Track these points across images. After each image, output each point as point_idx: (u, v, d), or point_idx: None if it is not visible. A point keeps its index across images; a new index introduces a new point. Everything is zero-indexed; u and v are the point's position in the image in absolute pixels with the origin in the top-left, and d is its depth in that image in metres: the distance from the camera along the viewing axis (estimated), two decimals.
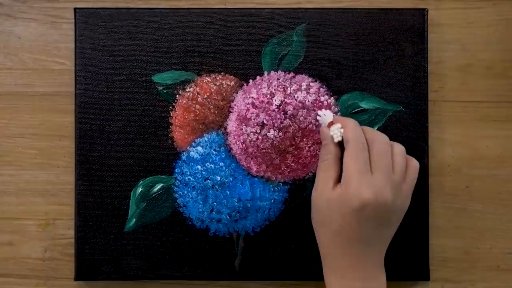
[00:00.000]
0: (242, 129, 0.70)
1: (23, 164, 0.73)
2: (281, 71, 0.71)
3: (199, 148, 0.71)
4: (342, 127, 0.64)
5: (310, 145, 0.70)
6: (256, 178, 0.71)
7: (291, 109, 0.70)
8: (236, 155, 0.70)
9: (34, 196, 0.73)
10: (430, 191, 0.72)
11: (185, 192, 0.71)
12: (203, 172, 0.70)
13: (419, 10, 0.71)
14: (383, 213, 0.62)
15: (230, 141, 0.70)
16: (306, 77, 0.71)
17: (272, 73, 0.71)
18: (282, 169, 0.71)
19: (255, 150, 0.70)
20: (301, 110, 0.70)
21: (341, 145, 0.65)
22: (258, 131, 0.70)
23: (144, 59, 0.71)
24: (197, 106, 0.71)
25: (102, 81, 0.71)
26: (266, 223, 0.71)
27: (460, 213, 0.73)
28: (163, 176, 0.71)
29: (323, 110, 0.68)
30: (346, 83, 0.71)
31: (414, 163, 0.65)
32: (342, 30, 0.71)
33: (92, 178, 0.71)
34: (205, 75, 0.71)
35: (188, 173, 0.70)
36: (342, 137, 0.64)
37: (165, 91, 0.71)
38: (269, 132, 0.70)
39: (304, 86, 0.70)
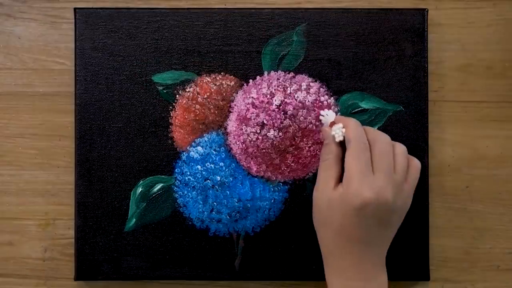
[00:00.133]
0: (242, 129, 0.70)
1: (23, 164, 0.73)
2: (281, 71, 0.71)
3: (199, 148, 0.71)
4: (343, 127, 0.64)
5: (310, 145, 0.70)
6: (256, 178, 0.71)
7: (291, 109, 0.70)
8: (236, 155, 0.70)
9: (34, 196, 0.73)
10: (430, 191, 0.72)
11: (185, 192, 0.71)
12: (203, 172, 0.70)
13: (419, 10, 0.71)
14: (384, 213, 0.62)
15: (230, 141, 0.70)
16: (306, 77, 0.71)
17: (272, 73, 0.71)
18: (282, 169, 0.71)
19: (255, 150, 0.70)
20: (301, 110, 0.70)
21: (342, 144, 0.65)
22: (258, 131, 0.70)
23: (144, 59, 0.71)
24: (197, 106, 0.71)
25: (102, 81, 0.71)
26: (266, 223, 0.71)
27: (460, 213, 0.73)
28: (163, 176, 0.71)
29: (326, 110, 0.68)
30: (346, 83, 0.71)
31: (416, 163, 0.65)
32: (342, 30, 0.71)
33: (92, 178, 0.71)
34: (205, 75, 0.71)
35: (188, 173, 0.70)
36: (343, 136, 0.64)
37: (165, 91, 0.71)
38: (269, 132, 0.70)
39: (304, 86, 0.70)
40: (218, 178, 0.70)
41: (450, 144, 0.73)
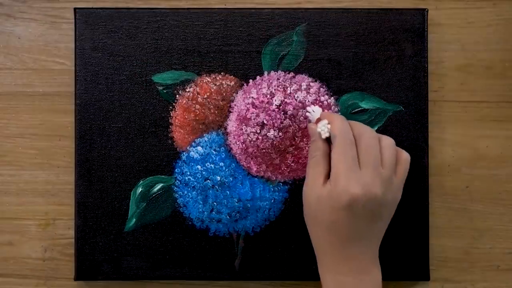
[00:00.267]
0: (242, 129, 0.70)
1: (23, 164, 0.73)
2: (281, 71, 0.71)
3: (199, 148, 0.71)
4: (329, 123, 0.64)
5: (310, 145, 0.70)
6: (256, 178, 0.71)
7: (291, 109, 0.70)
8: (236, 155, 0.70)
9: (34, 196, 0.73)
10: (430, 191, 0.72)
11: (185, 192, 0.71)
12: (203, 172, 0.70)
13: (419, 10, 0.71)
14: (373, 208, 0.62)
15: (230, 141, 0.70)
16: (306, 77, 0.71)
17: (272, 73, 0.71)
18: (282, 169, 0.71)
19: (255, 150, 0.70)
20: (301, 110, 0.70)
21: (329, 141, 0.64)
22: (258, 131, 0.70)
23: (144, 59, 0.71)
24: (197, 106, 0.71)
25: (102, 81, 0.71)
26: (266, 223, 0.71)
27: (460, 213, 0.73)
28: (163, 176, 0.71)
29: (312, 106, 0.68)
30: (346, 83, 0.71)
31: (405, 156, 0.65)
32: (342, 30, 0.71)
33: (92, 178, 0.71)
34: (205, 75, 0.71)
35: (188, 173, 0.70)
36: (329, 133, 0.64)
37: (165, 91, 0.71)
38: (269, 132, 0.70)
39: (304, 86, 0.70)
40: (218, 178, 0.70)
41: (450, 144, 0.73)
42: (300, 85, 0.70)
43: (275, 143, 0.70)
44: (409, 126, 0.71)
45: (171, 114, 0.71)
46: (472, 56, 0.73)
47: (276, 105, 0.70)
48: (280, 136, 0.70)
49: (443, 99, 0.73)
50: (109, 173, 0.71)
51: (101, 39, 0.71)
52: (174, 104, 0.71)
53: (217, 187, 0.70)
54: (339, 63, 0.71)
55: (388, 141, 0.64)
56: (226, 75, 0.71)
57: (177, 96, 0.71)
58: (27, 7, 0.73)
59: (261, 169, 0.70)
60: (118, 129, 0.71)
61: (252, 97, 0.70)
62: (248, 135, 0.70)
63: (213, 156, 0.70)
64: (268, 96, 0.70)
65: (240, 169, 0.70)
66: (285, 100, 0.70)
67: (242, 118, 0.70)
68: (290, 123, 0.70)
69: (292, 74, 0.71)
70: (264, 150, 0.70)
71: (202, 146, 0.71)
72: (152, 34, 0.71)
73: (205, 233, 0.71)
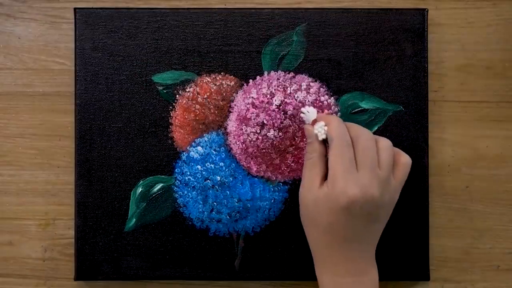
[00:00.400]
0: (242, 129, 0.70)
1: (23, 164, 0.73)
2: (281, 71, 0.71)
3: (199, 148, 0.71)
4: (326, 125, 0.64)
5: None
6: (256, 178, 0.71)
7: (291, 109, 0.70)
8: (236, 155, 0.70)
9: (34, 196, 0.73)
10: (430, 191, 0.72)
11: (185, 192, 0.71)
12: (203, 172, 0.70)
13: (419, 10, 0.71)
14: (371, 210, 0.62)
15: (230, 141, 0.70)
16: (306, 77, 0.71)
17: (272, 73, 0.71)
18: (282, 169, 0.71)
19: (255, 150, 0.70)
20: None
21: (326, 142, 0.65)
22: (258, 131, 0.70)
23: (144, 59, 0.71)
24: (197, 106, 0.71)
25: (102, 81, 0.71)
26: (266, 223, 0.71)
27: (460, 213, 0.73)
28: (163, 176, 0.71)
29: (307, 107, 0.67)
30: (346, 83, 0.71)
31: (405, 160, 0.65)
32: (342, 30, 0.71)
33: (92, 178, 0.71)
34: (205, 75, 0.71)
35: (188, 173, 0.70)
36: (326, 134, 0.64)
37: (165, 91, 0.71)
38: (269, 132, 0.70)
39: (304, 86, 0.70)
40: (218, 178, 0.70)
41: (450, 144, 0.73)
42: (300, 85, 0.70)
43: (275, 143, 0.70)
44: (409, 126, 0.71)
45: (171, 114, 0.71)
46: (472, 56, 0.73)
47: (276, 105, 0.70)
48: (280, 136, 0.70)
49: (443, 99, 0.73)
50: (109, 173, 0.71)
51: (101, 39, 0.71)
52: (174, 104, 0.71)
53: (217, 187, 0.70)
54: (339, 63, 0.71)
55: (385, 143, 0.64)
56: (226, 75, 0.71)
57: (177, 96, 0.71)
58: (27, 7, 0.73)
59: (261, 169, 0.70)
60: (118, 129, 0.71)
61: (252, 97, 0.70)
62: (248, 135, 0.70)
63: (213, 156, 0.70)
64: (268, 96, 0.70)
65: (240, 169, 0.70)
66: (285, 100, 0.70)
67: (242, 118, 0.70)
68: (290, 123, 0.70)
69: (292, 74, 0.71)
70: (264, 150, 0.70)
71: (202, 146, 0.71)
72: (152, 34, 0.71)
73: (205, 233, 0.71)
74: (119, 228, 0.71)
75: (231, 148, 0.71)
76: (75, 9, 0.71)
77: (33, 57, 0.73)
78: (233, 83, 0.71)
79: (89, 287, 0.72)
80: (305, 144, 0.70)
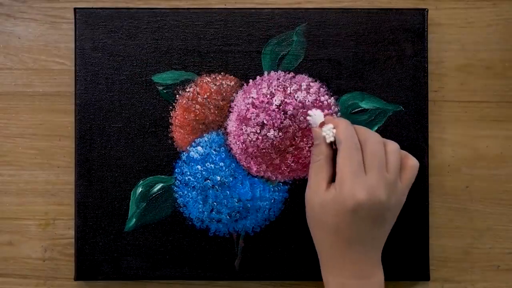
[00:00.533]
0: (242, 129, 0.70)
1: (23, 164, 0.73)
2: (281, 71, 0.71)
3: (199, 148, 0.71)
4: (334, 127, 0.64)
5: (310, 145, 0.70)
6: (256, 178, 0.71)
7: (291, 109, 0.70)
8: (236, 155, 0.71)
9: (34, 196, 0.73)
10: (430, 191, 0.72)
11: (185, 192, 0.71)
12: (203, 172, 0.70)
13: (419, 10, 0.71)
14: (378, 213, 0.62)
15: (230, 141, 0.70)
16: (306, 77, 0.71)
17: (272, 73, 0.71)
18: (282, 169, 0.71)
19: (255, 150, 0.70)
20: (301, 110, 0.70)
21: (333, 145, 0.64)
22: (258, 131, 0.70)
23: (144, 59, 0.71)
24: (197, 106, 0.71)
25: (102, 81, 0.71)
26: (266, 223, 0.71)
27: (460, 213, 0.73)
28: (163, 176, 0.71)
29: (314, 110, 0.67)
30: (346, 83, 0.71)
31: (413, 163, 0.65)
32: (342, 30, 0.71)
33: (92, 178, 0.71)
34: (205, 75, 0.71)
35: (188, 173, 0.70)
36: (334, 137, 0.64)
37: (165, 91, 0.71)
38: (269, 132, 0.70)
39: (304, 86, 0.70)
40: (218, 178, 0.70)
41: (450, 144, 0.73)
42: (300, 85, 0.70)
43: (275, 143, 0.70)
44: (409, 126, 0.71)
45: (171, 114, 0.71)
46: (472, 56, 0.73)
47: (276, 105, 0.70)
48: (280, 136, 0.70)
49: (443, 99, 0.73)
50: (109, 173, 0.71)
51: (101, 39, 0.71)
52: (174, 104, 0.71)
53: (217, 187, 0.70)
54: (339, 63, 0.71)
55: (393, 146, 0.64)
56: (226, 75, 0.71)
57: (177, 96, 0.71)
58: (27, 7, 0.73)
59: (261, 169, 0.70)
60: (118, 129, 0.71)
61: (252, 97, 0.70)
62: (248, 135, 0.70)
63: (213, 156, 0.70)
64: (268, 96, 0.70)
65: (240, 169, 0.70)
66: (285, 100, 0.70)
67: (242, 118, 0.70)
68: (290, 123, 0.70)
69: (292, 74, 0.71)
70: (264, 150, 0.70)
71: (202, 146, 0.71)
72: (152, 34, 0.71)
73: (205, 233, 0.71)
74: (119, 228, 0.71)
75: (231, 148, 0.71)
76: (75, 9, 0.71)
77: (33, 57, 0.73)
78: (233, 83, 0.71)
79: (89, 287, 0.72)
80: (305, 144, 0.70)
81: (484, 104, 0.73)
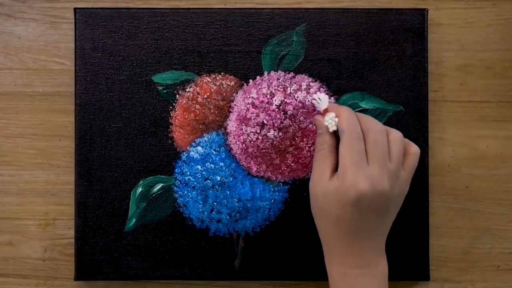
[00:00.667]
0: (242, 129, 0.70)
1: (23, 164, 0.73)
2: (281, 71, 0.71)
3: (199, 148, 0.71)
4: (336, 116, 0.64)
5: (310, 145, 0.70)
6: (256, 178, 0.71)
7: (291, 109, 0.70)
8: (236, 155, 0.71)
9: (34, 196, 0.73)
10: (430, 191, 0.72)
11: (185, 192, 0.71)
12: (203, 172, 0.70)
13: (419, 10, 0.71)
14: (381, 203, 0.62)
15: (230, 141, 0.70)
16: (306, 77, 0.71)
17: (272, 73, 0.71)
18: (282, 169, 0.71)
19: (255, 150, 0.70)
20: (301, 110, 0.70)
21: (336, 134, 0.64)
22: (258, 131, 0.70)
23: (144, 59, 0.71)
24: (197, 106, 0.71)
25: (102, 81, 0.71)
26: (266, 223, 0.71)
27: (460, 213, 0.73)
28: (163, 176, 0.71)
29: (318, 93, 0.67)
30: (346, 83, 0.71)
31: (414, 149, 0.65)
32: (342, 30, 0.71)
33: (92, 178, 0.71)
34: (205, 75, 0.71)
35: (188, 173, 0.70)
36: (337, 126, 0.64)
37: (165, 91, 0.71)
38: (269, 132, 0.70)
39: (304, 86, 0.70)
40: (218, 178, 0.70)
41: (450, 144, 0.73)
42: (300, 85, 0.70)
43: (275, 143, 0.70)
44: (409, 126, 0.71)
45: (171, 114, 0.71)
46: (472, 56, 0.73)
47: (276, 105, 0.70)
48: (280, 136, 0.70)
49: (443, 99, 0.73)
50: (109, 173, 0.71)
51: (101, 39, 0.71)
52: (174, 104, 0.71)
53: (217, 187, 0.70)
54: (339, 63, 0.71)
55: (396, 135, 0.64)
56: (226, 75, 0.71)
57: (177, 96, 0.71)
58: (27, 7, 0.73)
59: (261, 169, 0.70)
60: (118, 129, 0.71)
61: (252, 97, 0.70)
62: (248, 135, 0.70)
63: (213, 156, 0.70)
64: (268, 96, 0.70)
65: (240, 169, 0.70)
66: (285, 100, 0.70)
67: (242, 118, 0.70)
68: (290, 123, 0.70)
69: (292, 74, 0.71)
70: (264, 150, 0.70)
71: (202, 146, 0.71)
72: (152, 34, 0.71)
73: (205, 233, 0.71)
74: (119, 228, 0.71)
75: (231, 148, 0.71)
76: (75, 9, 0.71)
77: (33, 57, 0.73)
78: (233, 83, 0.71)
79: (89, 287, 0.72)
80: (305, 144, 0.70)
81: (484, 104, 0.73)
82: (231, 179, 0.70)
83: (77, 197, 0.71)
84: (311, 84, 0.71)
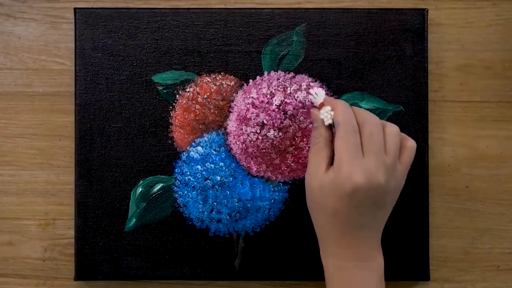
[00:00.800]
0: (242, 129, 0.70)
1: (23, 164, 0.73)
2: (281, 71, 0.71)
3: (199, 148, 0.71)
4: (332, 109, 0.64)
5: (310, 145, 0.70)
6: (256, 178, 0.71)
7: (291, 109, 0.70)
8: (236, 155, 0.71)
9: (34, 196, 0.73)
10: (430, 191, 0.72)
11: (185, 192, 0.71)
12: (203, 172, 0.70)
13: (419, 10, 0.71)
14: (376, 196, 0.62)
15: (230, 141, 0.70)
16: (306, 77, 0.71)
17: (272, 73, 0.71)
18: (282, 169, 0.71)
19: (255, 150, 0.70)
20: (301, 110, 0.70)
21: (332, 127, 0.64)
22: (258, 131, 0.70)
23: (144, 59, 0.71)
24: (197, 106, 0.71)
25: (102, 81, 0.71)
26: (266, 223, 0.71)
27: (460, 213, 0.73)
28: (163, 176, 0.71)
29: (315, 88, 0.67)
30: (346, 83, 0.71)
31: (410, 143, 0.65)
32: (342, 30, 0.71)
33: (92, 178, 0.71)
34: (205, 75, 0.71)
35: (188, 173, 0.70)
36: (332, 119, 0.64)
37: (165, 91, 0.71)
38: (269, 132, 0.70)
39: (304, 86, 0.70)
40: (218, 178, 0.70)
41: (450, 144, 0.73)
42: (300, 85, 0.70)
43: (275, 143, 0.70)
44: (409, 126, 0.71)
45: (171, 114, 0.71)
46: (472, 56, 0.73)
47: (276, 105, 0.70)
48: (280, 136, 0.70)
49: (443, 99, 0.73)
50: (109, 173, 0.71)
51: (101, 39, 0.71)
52: (174, 104, 0.71)
53: (217, 187, 0.70)
54: (339, 63, 0.71)
55: (392, 128, 0.64)
56: (226, 75, 0.71)
57: (177, 96, 0.71)
58: (27, 7, 0.73)
59: (261, 169, 0.70)
60: (118, 129, 0.71)
61: (252, 97, 0.70)
62: (248, 135, 0.70)
63: (213, 156, 0.70)
64: (268, 96, 0.70)
65: (240, 169, 0.70)
66: (285, 100, 0.70)
67: (242, 118, 0.70)
68: (290, 123, 0.70)
69: (292, 74, 0.71)
70: (264, 150, 0.70)
71: (202, 146, 0.71)
72: (152, 34, 0.71)
73: (205, 233, 0.71)
74: (119, 228, 0.71)
75: (231, 148, 0.71)
76: (75, 9, 0.71)
77: (33, 57, 0.73)
78: (233, 83, 0.71)
79: (89, 287, 0.72)
80: (305, 144, 0.70)
81: (484, 104, 0.73)
82: (231, 179, 0.70)
83: (77, 197, 0.71)
84: (311, 84, 0.71)
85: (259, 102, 0.70)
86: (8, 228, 0.73)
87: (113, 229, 0.71)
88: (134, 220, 0.71)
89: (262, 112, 0.70)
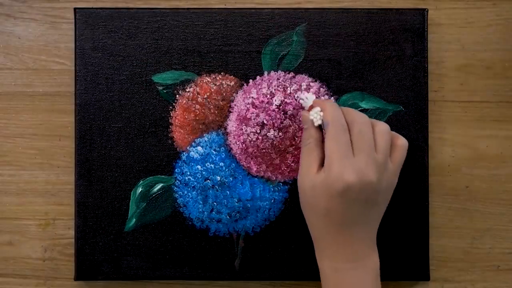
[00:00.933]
0: (242, 129, 0.70)
1: (23, 164, 0.73)
2: (281, 71, 0.71)
3: (199, 148, 0.71)
4: (321, 110, 0.64)
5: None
6: (256, 178, 0.71)
7: (291, 109, 0.70)
8: (236, 155, 0.71)
9: (34, 196, 0.73)
10: (430, 191, 0.72)
11: (185, 192, 0.71)
12: (203, 172, 0.70)
13: (419, 10, 0.71)
14: (368, 194, 0.62)
15: (230, 141, 0.71)
16: (306, 77, 0.71)
17: (272, 73, 0.71)
18: (282, 169, 0.71)
19: (255, 150, 0.70)
20: (301, 110, 0.70)
21: (322, 128, 0.64)
22: (258, 131, 0.70)
23: (144, 59, 0.71)
24: (197, 106, 0.71)
25: (102, 81, 0.71)
26: (266, 223, 0.71)
27: (460, 213, 0.73)
28: (163, 176, 0.71)
29: (305, 92, 0.68)
30: (346, 83, 0.71)
31: (401, 142, 0.65)
32: (342, 30, 0.71)
33: (92, 178, 0.71)
34: (205, 75, 0.71)
35: (188, 173, 0.70)
36: (322, 120, 0.64)
37: (165, 91, 0.71)
38: (269, 132, 0.70)
39: (304, 86, 0.70)
40: (218, 178, 0.70)
41: (450, 144, 0.73)
42: (300, 85, 0.70)
43: (275, 143, 0.70)
44: (409, 126, 0.71)
45: (171, 114, 0.71)
46: (472, 56, 0.73)
47: (276, 105, 0.70)
48: (280, 136, 0.70)
49: (443, 99, 0.73)
50: (109, 173, 0.71)
51: (101, 39, 0.71)
52: (174, 104, 0.71)
53: (217, 187, 0.70)
54: (339, 63, 0.71)
55: (382, 127, 0.64)
56: (226, 75, 0.71)
57: (177, 96, 0.71)
58: (27, 7, 0.73)
59: (261, 169, 0.70)
60: (118, 129, 0.71)
61: (252, 97, 0.70)
62: (248, 135, 0.70)
63: (213, 156, 0.70)
64: (268, 96, 0.70)
65: (240, 169, 0.70)
66: (285, 100, 0.70)
67: (242, 118, 0.70)
68: (290, 123, 0.70)
69: (292, 74, 0.71)
70: (264, 150, 0.70)
71: (202, 146, 0.71)
72: (152, 34, 0.71)
73: (205, 233, 0.71)
74: (119, 228, 0.71)
75: (231, 148, 0.71)
76: (75, 9, 0.71)
77: (33, 57, 0.73)
78: (233, 83, 0.71)
79: (89, 287, 0.72)
80: None
81: (484, 104, 0.73)
82: (231, 179, 0.70)
83: (77, 197, 0.71)
84: (311, 84, 0.71)
85: (259, 102, 0.70)
86: (8, 228, 0.73)
87: (113, 229, 0.71)
88: (134, 220, 0.71)
89: (262, 112, 0.70)
